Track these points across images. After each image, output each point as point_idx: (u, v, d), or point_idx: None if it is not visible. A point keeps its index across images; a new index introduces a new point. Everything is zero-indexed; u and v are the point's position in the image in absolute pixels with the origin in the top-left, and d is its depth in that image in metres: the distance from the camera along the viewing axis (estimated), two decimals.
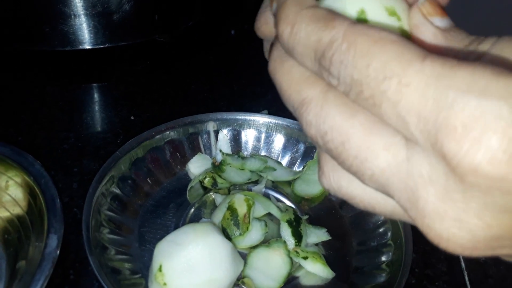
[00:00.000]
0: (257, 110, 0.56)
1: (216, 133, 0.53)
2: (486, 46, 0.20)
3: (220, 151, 0.50)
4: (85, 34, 0.59)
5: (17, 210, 0.42)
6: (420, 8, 0.22)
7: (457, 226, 0.18)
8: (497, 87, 0.16)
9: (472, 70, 0.17)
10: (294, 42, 0.21)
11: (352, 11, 0.22)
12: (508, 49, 0.19)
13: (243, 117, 0.53)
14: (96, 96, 0.62)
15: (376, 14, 0.22)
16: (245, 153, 0.53)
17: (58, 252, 0.37)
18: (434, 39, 0.21)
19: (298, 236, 0.44)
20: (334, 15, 0.20)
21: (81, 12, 0.57)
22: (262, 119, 0.53)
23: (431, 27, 0.22)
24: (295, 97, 0.22)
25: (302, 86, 0.22)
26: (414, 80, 0.17)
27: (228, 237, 0.43)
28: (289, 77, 0.22)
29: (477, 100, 0.16)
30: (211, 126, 0.53)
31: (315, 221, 0.48)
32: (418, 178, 0.18)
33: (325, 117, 0.20)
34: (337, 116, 0.20)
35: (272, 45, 0.24)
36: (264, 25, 0.25)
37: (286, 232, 0.44)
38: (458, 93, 0.16)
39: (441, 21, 0.22)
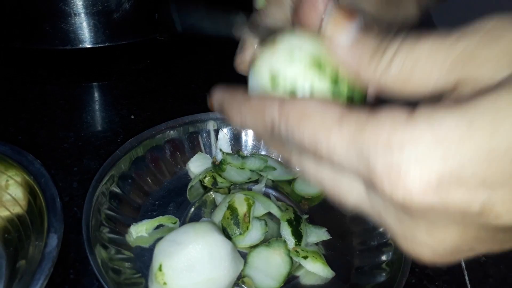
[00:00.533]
0: None
1: (216, 132, 0.53)
2: (393, 48, 0.22)
3: (220, 150, 0.50)
4: (85, 33, 0.59)
5: (17, 209, 0.42)
6: (326, 28, 0.25)
7: (417, 244, 0.22)
8: (395, 139, 0.19)
9: (376, 125, 0.20)
10: (250, 129, 0.26)
11: (266, 78, 0.26)
12: (414, 51, 0.21)
13: None
14: (96, 95, 0.62)
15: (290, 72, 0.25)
16: (245, 152, 0.53)
17: (58, 251, 0.37)
18: (347, 49, 0.24)
19: (298, 236, 0.44)
20: (263, 101, 0.24)
21: (81, 11, 0.57)
22: None
23: (342, 39, 0.24)
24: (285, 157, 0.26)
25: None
26: (337, 143, 0.21)
27: (228, 236, 0.43)
28: (274, 145, 0.27)
29: (384, 152, 0.19)
30: (211, 125, 0.53)
31: (315, 221, 0.48)
32: (379, 208, 0.22)
33: (306, 169, 0.24)
34: (312, 168, 0.24)
35: None
36: (241, 64, 0.31)
37: (286, 232, 0.44)
38: (370, 148, 0.20)
39: (348, 31, 0.24)
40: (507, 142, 0.18)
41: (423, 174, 0.19)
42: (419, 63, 0.21)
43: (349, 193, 0.23)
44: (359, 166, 0.20)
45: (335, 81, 0.25)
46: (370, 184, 0.21)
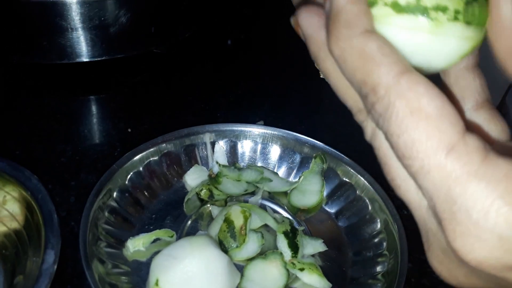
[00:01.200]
0: (253, 121, 0.56)
1: (213, 144, 0.53)
2: None
3: (217, 162, 0.51)
4: (82, 47, 0.59)
5: (15, 225, 0.42)
6: None
7: (449, 274, 0.22)
8: (499, 213, 0.18)
9: (483, 187, 0.18)
10: (342, 67, 0.21)
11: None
12: None
13: (239, 128, 0.53)
14: (93, 108, 0.62)
15: None
16: (242, 164, 0.53)
17: (55, 267, 0.37)
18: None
19: (294, 248, 0.45)
20: (383, 58, 0.20)
21: (78, 26, 0.58)
22: (258, 130, 0.54)
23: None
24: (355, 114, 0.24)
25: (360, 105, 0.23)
26: (434, 171, 0.19)
27: (224, 249, 0.44)
28: (347, 94, 0.23)
29: (477, 217, 0.18)
30: (207, 138, 0.53)
31: (311, 232, 0.49)
32: (431, 225, 0.21)
33: (377, 147, 0.23)
34: (387, 151, 0.22)
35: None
36: None
37: (282, 244, 0.45)
38: (464, 204, 0.18)
39: None
40: None
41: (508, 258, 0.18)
42: None
43: (415, 194, 0.22)
44: (439, 205, 0.19)
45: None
46: (436, 217, 0.20)
